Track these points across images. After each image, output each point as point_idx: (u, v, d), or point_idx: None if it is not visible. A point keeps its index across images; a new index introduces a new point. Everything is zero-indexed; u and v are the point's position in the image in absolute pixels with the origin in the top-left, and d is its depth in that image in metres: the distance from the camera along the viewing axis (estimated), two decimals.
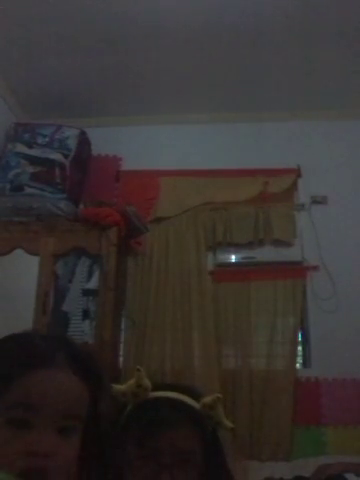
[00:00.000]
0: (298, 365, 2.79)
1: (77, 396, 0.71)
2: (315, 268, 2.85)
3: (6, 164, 2.65)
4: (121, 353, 2.70)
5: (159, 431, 0.92)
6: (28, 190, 2.56)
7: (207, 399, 0.99)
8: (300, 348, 2.85)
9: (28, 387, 0.67)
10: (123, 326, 2.76)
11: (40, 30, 2.50)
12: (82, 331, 2.39)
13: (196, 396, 1.02)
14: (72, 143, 2.70)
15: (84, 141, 2.82)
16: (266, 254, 2.90)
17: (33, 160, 2.62)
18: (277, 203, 2.99)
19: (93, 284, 2.47)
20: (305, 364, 2.82)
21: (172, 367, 2.65)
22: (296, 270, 2.87)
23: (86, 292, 2.49)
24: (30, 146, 2.67)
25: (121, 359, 2.69)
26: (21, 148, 2.67)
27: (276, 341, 2.72)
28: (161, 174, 3.08)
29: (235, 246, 2.92)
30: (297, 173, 3.05)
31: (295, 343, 2.75)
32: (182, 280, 2.82)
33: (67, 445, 0.68)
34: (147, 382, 0.99)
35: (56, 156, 2.63)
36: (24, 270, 2.49)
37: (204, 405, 0.98)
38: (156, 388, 1.02)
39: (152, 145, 3.14)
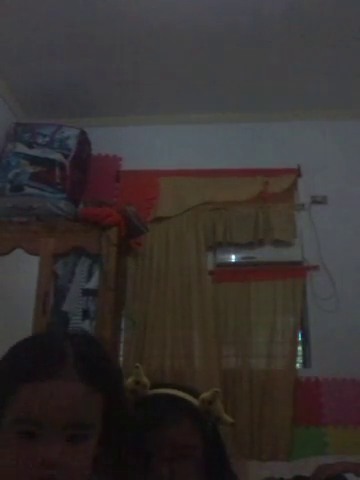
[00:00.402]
0: (298, 365, 2.78)
1: (85, 405, 0.70)
2: (315, 268, 2.85)
3: (6, 164, 2.65)
4: (121, 353, 2.70)
5: (158, 426, 0.93)
6: (28, 190, 2.56)
7: (206, 394, 1.00)
8: (300, 348, 2.84)
9: (32, 401, 0.67)
10: (123, 326, 2.76)
11: (40, 30, 2.50)
12: None
13: (195, 394, 1.03)
14: (72, 143, 2.70)
15: (84, 141, 2.82)
16: (266, 254, 2.90)
17: (33, 160, 2.62)
18: (277, 203, 2.99)
19: (93, 284, 2.47)
20: (305, 364, 2.82)
21: (172, 367, 2.64)
22: (296, 270, 2.87)
23: (86, 292, 2.49)
24: (30, 146, 2.67)
25: (121, 359, 2.69)
26: (21, 148, 2.66)
27: (276, 341, 2.73)
28: (161, 174, 3.08)
29: (235, 246, 2.92)
30: (297, 173, 3.05)
31: (295, 343, 2.75)
32: (182, 280, 2.82)
33: (77, 453, 0.68)
34: (145, 379, 0.99)
35: (56, 156, 2.63)
36: (24, 270, 2.49)
37: (203, 400, 0.99)
38: (154, 386, 1.02)
39: (152, 145, 3.14)
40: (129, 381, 0.99)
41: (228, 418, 1.02)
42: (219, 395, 1.00)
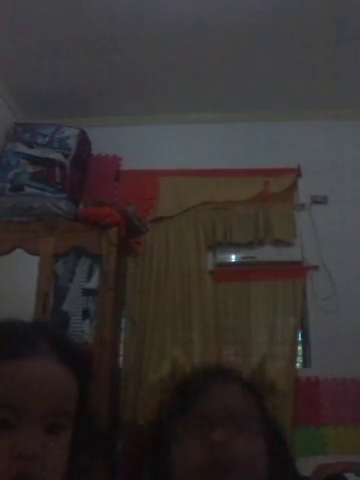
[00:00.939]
0: (298, 365, 2.78)
1: (64, 388, 0.63)
2: (315, 268, 2.85)
3: (6, 164, 2.65)
4: (121, 353, 2.70)
5: (205, 393, 0.82)
6: (28, 190, 2.56)
7: (253, 362, 0.91)
8: (300, 348, 2.84)
9: (6, 384, 0.59)
10: (123, 326, 2.76)
11: (40, 30, 2.50)
12: (82, 331, 2.39)
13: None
14: (72, 143, 2.70)
15: (84, 141, 2.82)
16: (266, 254, 2.90)
17: (33, 160, 2.62)
18: (277, 203, 2.99)
19: (93, 284, 2.47)
20: (305, 364, 2.82)
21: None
22: (296, 270, 2.87)
23: (86, 292, 2.49)
24: (30, 146, 2.67)
25: (121, 359, 2.69)
26: (21, 148, 2.67)
27: (276, 341, 2.72)
28: (161, 174, 3.08)
29: (235, 246, 2.92)
30: (297, 173, 3.05)
31: (295, 343, 2.74)
32: (182, 280, 2.82)
33: (56, 444, 0.61)
34: (183, 360, 0.93)
35: (56, 156, 2.63)
36: (24, 270, 2.49)
37: (252, 370, 0.91)
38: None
39: (152, 145, 3.14)
40: (165, 366, 0.92)
41: (283, 383, 0.93)
42: (267, 359, 0.92)
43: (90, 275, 2.52)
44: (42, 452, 0.58)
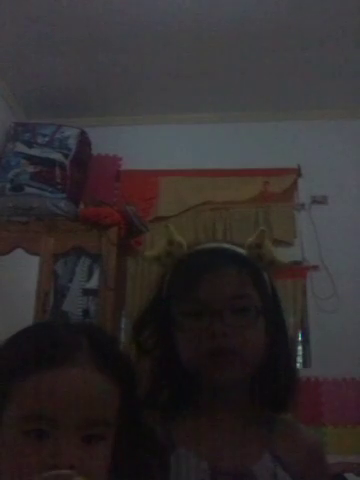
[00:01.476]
0: (298, 365, 2.78)
1: (102, 398, 0.61)
2: (315, 268, 2.84)
3: (6, 164, 2.66)
4: None
5: (202, 278, 0.80)
6: (28, 190, 2.57)
7: (251, 239, 0.87)
8: (300, 348, 2.84)
9: (43, 394, 0.58)
10: (123, 326, 2.76)
11: (40, 30, 2.50)
12: None
13: (241, 246, 0.89)
14: (72, 143, 2.70)
15: (84, 141, 2.82)
16: None
17: (33, 160, 2.63)
18: (277, 203, 2.99)
19: (93, 284, 2.48)
20: (305, 364, 2.82)
21: None
22: (296, 270, 2.87)
23: (86, 292, 2.49)
24: (30, 146, 2.67)
25: None
26: (21, 148, 2.67)
27: None
28: (161, 174, 3.08)
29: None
30: (297, 173, 3.05)
31: (295, 343, 2.74)
32: None
33: (93, 455, 0.59)
34: (180, 238, 0.88)
35: (56, 156, 2.63)
36: (24, 270, 2.49)
37: (250, 246, 0.87)
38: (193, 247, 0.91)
39: (152, 145, 3.14)
40: (161, 243, 0.88)
41: (282, 260, 0.88)
42: (266, 235, 0.88)
43: (90, 275, 2.52)
44: (79, 463, 0.57)
